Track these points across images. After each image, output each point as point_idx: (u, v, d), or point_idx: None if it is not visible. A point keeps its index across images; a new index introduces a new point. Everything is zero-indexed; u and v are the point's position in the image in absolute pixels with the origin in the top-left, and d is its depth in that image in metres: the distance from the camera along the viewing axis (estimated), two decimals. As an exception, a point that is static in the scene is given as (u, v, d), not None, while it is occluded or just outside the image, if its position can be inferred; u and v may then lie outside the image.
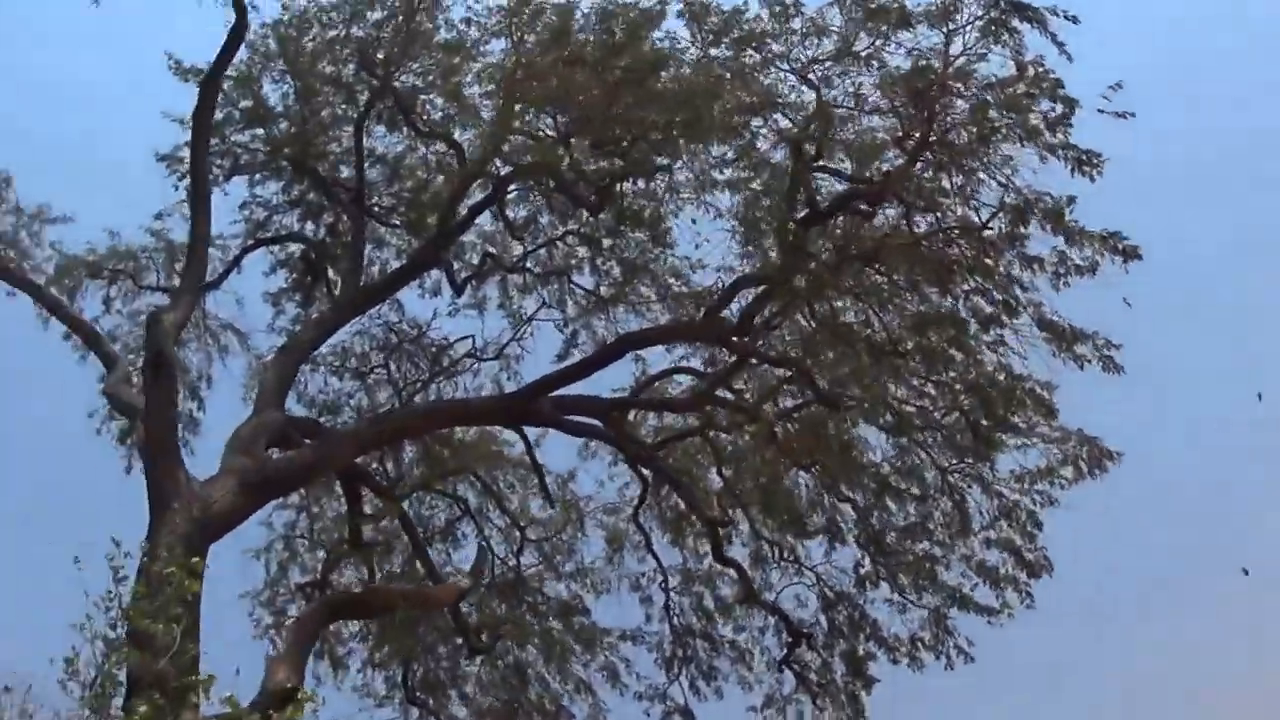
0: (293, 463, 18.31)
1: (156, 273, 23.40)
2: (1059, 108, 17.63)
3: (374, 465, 21.57)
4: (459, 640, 21.92)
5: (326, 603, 18.61)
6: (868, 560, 21.09)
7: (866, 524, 20.88)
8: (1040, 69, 17.61)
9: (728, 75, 18.99)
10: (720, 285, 20.07)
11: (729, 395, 20.79)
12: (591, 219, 21.13)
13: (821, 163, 19.00)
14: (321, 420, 21.80)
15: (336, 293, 22.13)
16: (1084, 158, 17.41)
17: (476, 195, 21.43)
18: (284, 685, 14.05)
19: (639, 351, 21.00)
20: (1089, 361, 18.15)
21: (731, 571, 21.72)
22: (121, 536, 12.69)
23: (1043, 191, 17.81)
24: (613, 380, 20.89)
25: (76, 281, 23.16)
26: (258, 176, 22.77)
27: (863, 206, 18.98)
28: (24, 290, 22.20)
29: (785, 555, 21.66)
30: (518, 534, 22.26)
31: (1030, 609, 20.06)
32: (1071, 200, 17.66)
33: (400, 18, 21.31)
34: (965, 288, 18.84)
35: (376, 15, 21.55)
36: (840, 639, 21.43)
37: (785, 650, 21.80)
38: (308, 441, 19.21)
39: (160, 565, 13.78)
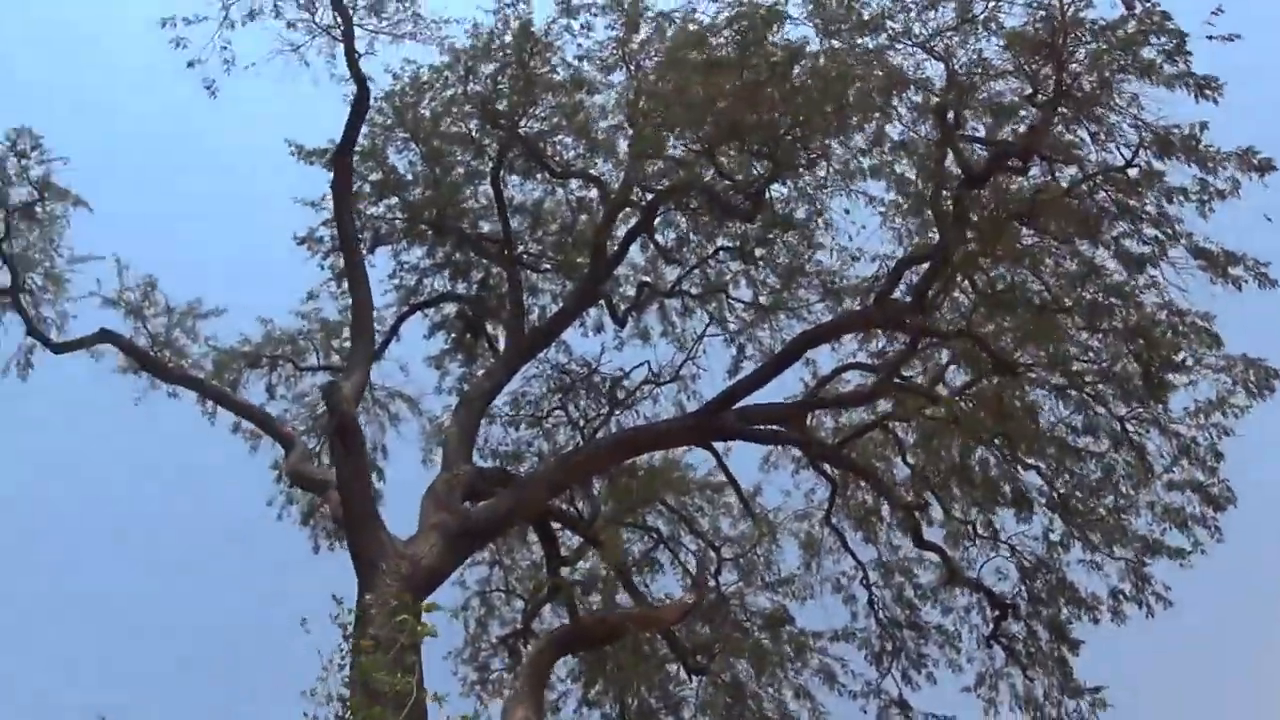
0: (491, 511, 18.38)
1: (316, 353, 23.73)
2: (1169, 41, 17.60)
3: (565, 507, 21.53)
4: (671, 667, 21.89)
5: (555, 639, 18.58)
6: (1058, 524, 20.95)
7: (1053, 488, 20.72)
8: (1148, 4, 17.57)
9: (852, 63, 19.04)
10: (883, 271, 20.18)
11: (904, 381, 20.70)
12: (742, 229, 21.20)
13: (961, 131, 19.00)
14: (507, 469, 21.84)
15: (499, 346, 22.41)
16: (1204, 83, 17.33)
17: (622, 228, 21.67)
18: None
19: (809, 354, 20.98)
20: (1245, 282, 18.03)
21: (931, 556, 21.69)
22: (330, 608, 12.72)
23: (1170, 125, 17.80)
24: (783, 390, 20.89)
25: (236, 373, 23.53)
26: (401, 244, 23.10)
27: (1012, 164, 18.89)
28: (187, 386, 22.63)
29: (981, 531, 21.53)
30: (713, 554, 22.14)
31: (1220, 543, 19.90)
32: (1204, 126, 17.65)
33: (514, 66, 21.52)
34: (1114, 234, 18.84)
35: (490, 68, 21.81)
36: (1042, 606, 21.31)
37: (991, 626, 21.71)
38: (500, 490, 19.19)
39: (377, 625, 13.88)
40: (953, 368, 21.08)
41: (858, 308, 20.71)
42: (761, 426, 20.21)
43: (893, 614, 22.24)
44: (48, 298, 22.99)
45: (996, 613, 21.64)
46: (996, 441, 20.79)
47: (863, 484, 22.02)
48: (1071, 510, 20.75)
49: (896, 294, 19.60)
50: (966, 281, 20.12)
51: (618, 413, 22.97)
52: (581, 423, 23.05)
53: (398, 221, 22.94)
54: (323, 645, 12.22)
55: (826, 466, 21.69)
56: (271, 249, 24.76)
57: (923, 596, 22.20)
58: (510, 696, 17.62)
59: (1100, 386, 20.01)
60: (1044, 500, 20.92)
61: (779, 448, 21.99)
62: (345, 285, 22.61)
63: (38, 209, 22.66)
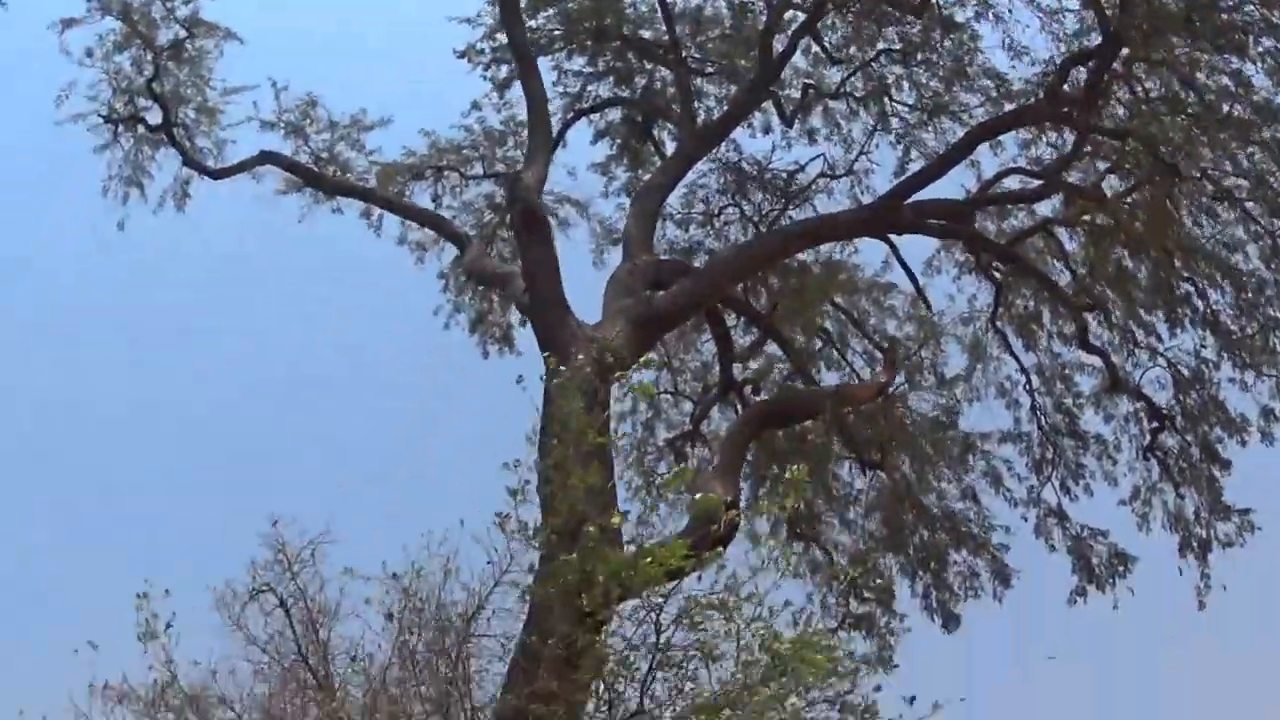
0: (676, 298, 18.50)
1: (482, 162, 23.91)
2: None
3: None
4: (838, 469, 22.14)
5: (753, 415, 18.83)
6: (1210, 340, 21.08)
7: (1206, 303, 20.85)
8: None
9: None
10: (1052, 66, 20.19)
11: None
12: (903, 32, 21.36)
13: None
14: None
15: (666, 150, 22.76)
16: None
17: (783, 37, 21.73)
18: (722, 498, 14.17)
19: (972, 158, 21.09)
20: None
21: (1093, 361, 21.92)
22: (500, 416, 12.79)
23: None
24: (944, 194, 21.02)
25: (401, 186, 23.81)
26: (560, 54, 23.30)
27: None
28: (353, 197, 22.97)
29: (1144, 340, 21.69)
30: (880, 356, 22.28)
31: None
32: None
33: None
34: (1259, 50, 18.83)
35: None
36: (1194, 423, 21.49)
37: (1149, 437, 21.94)
38: (681, 279, 19.35)
39: (570, 400, 14.08)
40: (1110, 178, 21.19)
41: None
42: (935, 221, 20.42)
43: (1053, 421, 22.44)
44: (202, 130, 23.34)
45: (1154, 424, 21.90)
46: (1155, 251, 20.91)
47: (1025, 291, 22.25)
48: (1222, 327, 20.90)
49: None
50: (1125, 89, 20.22)
51: (793, 206, 23.13)
52: (755, 218, 23.22)
53: (556, 31, 23.09)
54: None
55: (992, 270, 21.89)
56: (423, 73, 25.34)
57: (1082, 405, 22.42)
58: (706, 471, 17.83)
59: (1249, 205, 20.13)
60: (1196, 316, 21.07)
61: (942, 252, 22.33)
62: (507, 97, 23.14)
63: (187, 46, 22.96)
